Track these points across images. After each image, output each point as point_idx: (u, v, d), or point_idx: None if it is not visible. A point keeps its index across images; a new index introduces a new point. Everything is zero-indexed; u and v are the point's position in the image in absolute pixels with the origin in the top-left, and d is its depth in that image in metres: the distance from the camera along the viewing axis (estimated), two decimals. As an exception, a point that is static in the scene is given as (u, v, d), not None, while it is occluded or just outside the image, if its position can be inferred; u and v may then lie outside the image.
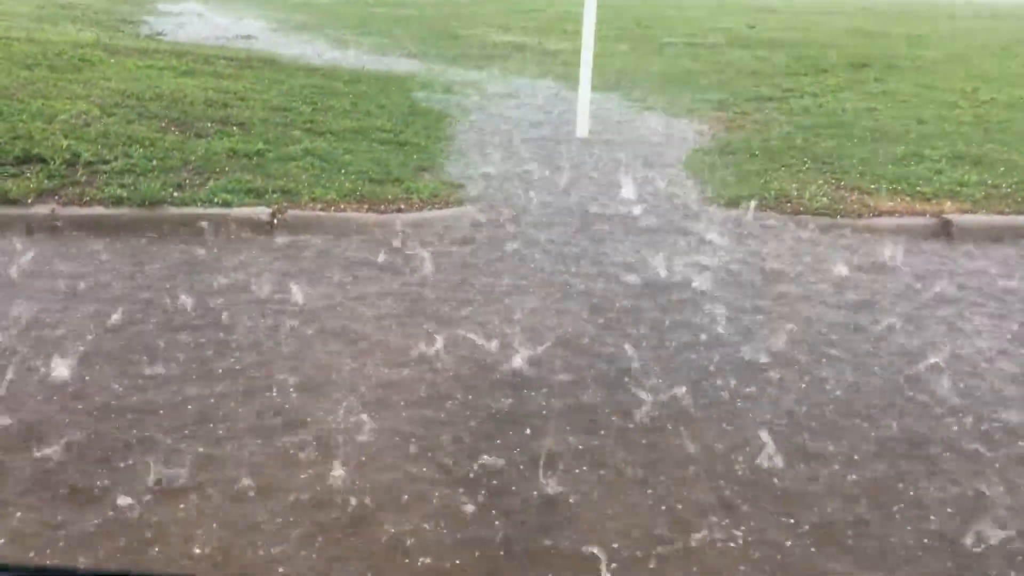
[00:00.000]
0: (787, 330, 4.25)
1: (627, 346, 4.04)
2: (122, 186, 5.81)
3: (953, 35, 18.64)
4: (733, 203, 6.33)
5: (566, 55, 14.32)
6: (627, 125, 9.15)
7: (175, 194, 5.78)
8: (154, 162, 6.32)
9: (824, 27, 20.02)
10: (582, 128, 8.44)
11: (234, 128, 7.51)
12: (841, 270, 5.17)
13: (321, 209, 5.83)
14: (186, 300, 4.40)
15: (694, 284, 4.86)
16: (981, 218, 6.10)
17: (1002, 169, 7.16)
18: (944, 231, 5.93)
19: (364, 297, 4.57)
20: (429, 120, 8.75)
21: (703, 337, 4.21)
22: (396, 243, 5.32)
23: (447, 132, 8.34)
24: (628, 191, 6.55)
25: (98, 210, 5.55)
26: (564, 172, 7.08)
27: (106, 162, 6.22)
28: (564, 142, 8.23)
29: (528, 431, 3.36)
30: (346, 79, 10.65)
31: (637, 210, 6.14)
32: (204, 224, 5.44)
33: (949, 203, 6.33)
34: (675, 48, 15.77)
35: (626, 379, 3.76)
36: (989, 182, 6.80)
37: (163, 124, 7.32)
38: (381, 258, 5.11)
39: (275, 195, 5.95)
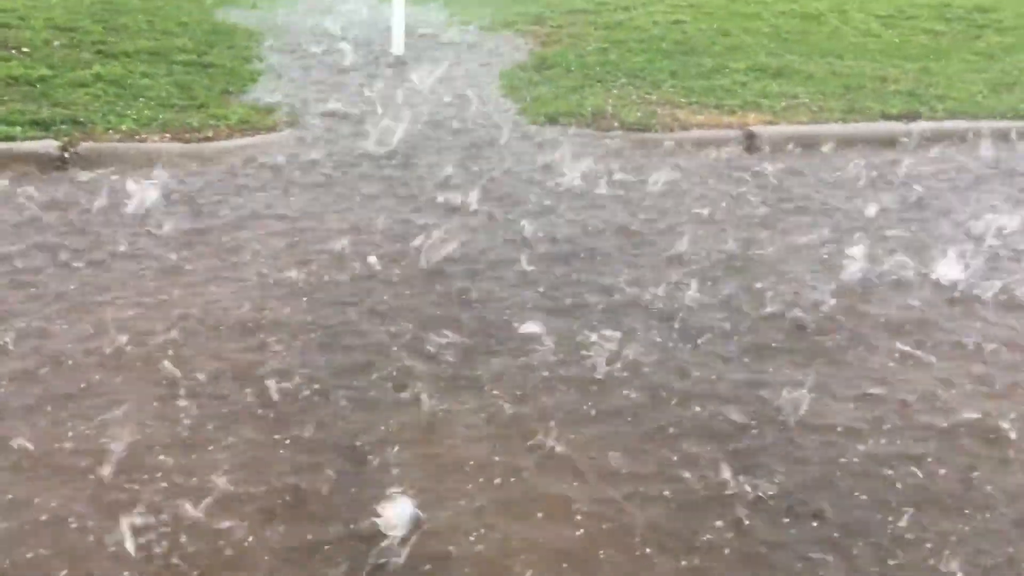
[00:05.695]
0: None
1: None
2: None
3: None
4: (551, 120, 6.38)
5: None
6: (444, 41, 8.97)
7: (-52, 129, 5.22)
8: (-79, 94, 5.67)
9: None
10: (397, 45, 8.20)
11: (12, 52, 6.82)
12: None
13: (119, 140, 5.43)
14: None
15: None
16: (783, 128, 6.41)
17: (799, 79, 7.53)
18: (749, 143, 6.20)
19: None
20: (235, 39, 8.24)
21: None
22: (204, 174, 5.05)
23: (255, 52, 7.89)
24: (444, 108, 6.46)
25: None
26: (381, 91, 6.88)
27: None
28: (380, 60, 7.98)
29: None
30: (139, -7, 9.83)
31: (454, 125, 6.08)
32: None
33: (753, 115, 6.62)
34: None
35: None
36: (789, 93, 7.14)
37: (-72, 49, 6.55)
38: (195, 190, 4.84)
39: (64, 126, 5.48)
